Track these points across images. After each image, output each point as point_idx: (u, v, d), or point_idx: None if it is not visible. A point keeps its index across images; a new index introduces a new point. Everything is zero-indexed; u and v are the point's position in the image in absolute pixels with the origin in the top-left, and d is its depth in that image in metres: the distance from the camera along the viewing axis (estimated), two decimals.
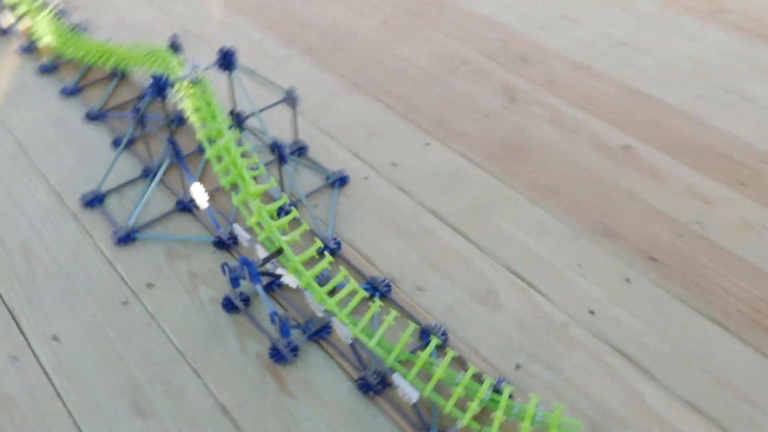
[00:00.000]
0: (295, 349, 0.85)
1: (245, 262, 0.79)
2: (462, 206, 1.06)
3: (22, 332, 0.87)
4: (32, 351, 0.85)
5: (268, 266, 0.87)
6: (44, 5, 1.36)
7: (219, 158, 0.88)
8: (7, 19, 1.40)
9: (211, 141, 0.89)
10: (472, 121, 1.22)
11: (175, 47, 1.10)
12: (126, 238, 0.98)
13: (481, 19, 1.51)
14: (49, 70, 1.32)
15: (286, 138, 1.15)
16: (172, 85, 0.93)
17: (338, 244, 0.98)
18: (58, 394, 0.80)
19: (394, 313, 0.79)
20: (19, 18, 1.38)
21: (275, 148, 0.95)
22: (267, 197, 1.04)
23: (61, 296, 0.91)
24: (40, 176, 1.09)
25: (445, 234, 1.01)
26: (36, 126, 1.19)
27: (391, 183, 1.09)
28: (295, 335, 0.86)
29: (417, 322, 0.88)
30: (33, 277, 0.94)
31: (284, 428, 0.77)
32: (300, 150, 1.14)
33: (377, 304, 0.79)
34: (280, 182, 1.01)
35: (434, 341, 0.78)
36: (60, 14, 1.37)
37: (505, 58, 1.39)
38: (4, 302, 0.90)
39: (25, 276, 0.94)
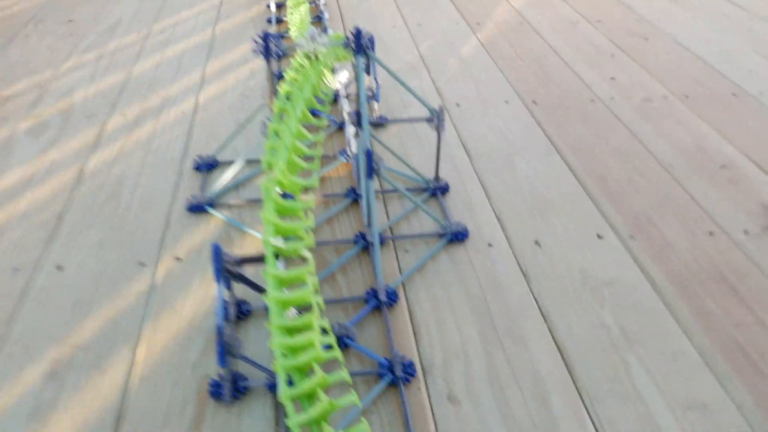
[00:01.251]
0: (239, 392, 0.63)
1: (215, 249, 0.61)
2: (594, 327, 0.71)
3: (47, 251, 0.81)
4: (35, 273, 0.78)
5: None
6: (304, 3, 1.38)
7: (276, 134, 0.72)
8: (272, 10, 1.48)
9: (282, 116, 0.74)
10: (691, 236, 0.84)
11: (356, 43, 0.96)
12: (195, 207, 0.88)
13: None
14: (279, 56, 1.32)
15: (428, 171, 0.94)
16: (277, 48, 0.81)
17: (392, 298, 0.73)
18: (16, 318, 0.72)
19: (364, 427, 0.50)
20: (283, 12, 1.44)
21: (366, 155, 0.75)
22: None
23: (106, 232, 0.84)
24: (192, 131, 1.06)
25: (542, 353, 0.68)
26: (230, 92, 1.18)
27: (518, 263, 0.79)
28: (252, 376, 0.64)
29: None
30: (99, 208, 0.89)
31: None
32: (436, 189, 0.91)
33: (352, 398, 0.51)
34: (367, 200, 0.80)
35: None
36: (315, 18, 1.38)
37: None
38: (54, 217, 0.87)
39: (95, 204, 0.89)
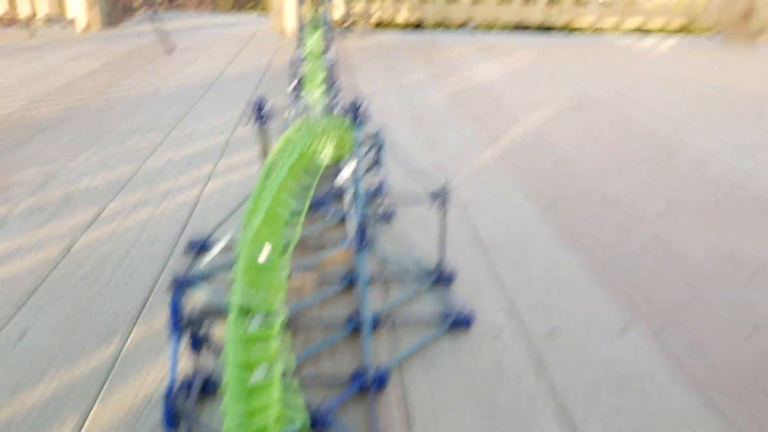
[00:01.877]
0: None
1: (173, 299, 0.54)
2: (624, 428, 0.60)
3: (13, 319, 0.75)
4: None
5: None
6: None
7: (259, 195, 0.66)
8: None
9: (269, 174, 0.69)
10: (728, 335, 0.75)
11: (353, 114, 0.90)
12: (178, 285, 0.81)
13: None
14: None
15: (431, 255, 0.87)
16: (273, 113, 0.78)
17: (381, 381, 0.63)
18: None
19: None
20: None
21: (359, 225, 0.69)
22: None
23: (79, 304, 0.77)
24: (191, 218, 1.02)
25: None
26: (235, 185, 1.15)
27: (531, 353, 0.70)
28: None
29: None
30: (78, 281, 0.83)
31: None
32: (441, 276, 0.84)
33: None
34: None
35: None
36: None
37: None
38: (30, 287, 0.81)
39: (75, 277, 0.83)
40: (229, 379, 0.46)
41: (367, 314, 0.69)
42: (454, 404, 0.62)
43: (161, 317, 0.75)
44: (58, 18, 3.30)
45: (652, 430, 0.59)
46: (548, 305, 0.80)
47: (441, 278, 0.84)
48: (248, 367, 0.49)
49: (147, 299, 0.79)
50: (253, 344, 0.50)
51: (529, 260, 0.91)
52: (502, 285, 0.84)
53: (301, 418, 0.44)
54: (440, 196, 0.81)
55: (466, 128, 1.58)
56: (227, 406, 0.45)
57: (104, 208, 1.05)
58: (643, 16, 3.33)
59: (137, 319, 0.75)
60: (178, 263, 0.88)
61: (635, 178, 1.24)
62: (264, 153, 0.90)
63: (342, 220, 1.01)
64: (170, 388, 0.51)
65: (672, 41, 3.22)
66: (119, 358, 0.68)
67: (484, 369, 0.67)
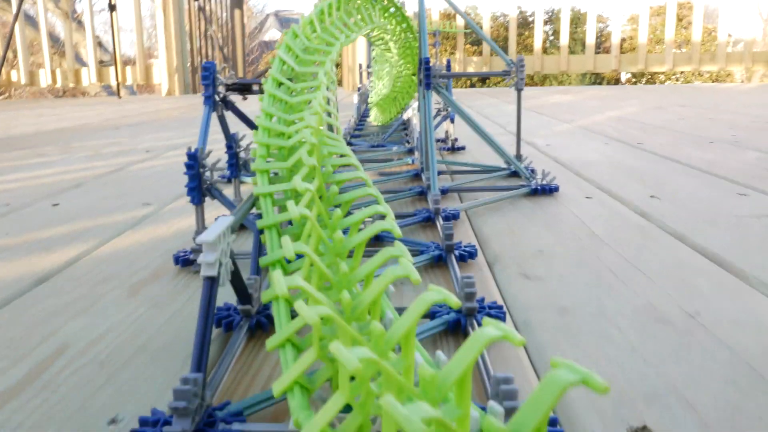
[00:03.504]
0: None
1: (209, 65, 0.47)
2: (758, 237, 0.47)
3: (45, 197, 0.69)
4: (27, 208, 0.65)
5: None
6: None
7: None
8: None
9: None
10: None
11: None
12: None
13: None
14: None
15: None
16: None
17: (451, 213, 0.53)
18: None
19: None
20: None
21: (424, 63, 0.61)
22: None
23: (120, 191, 0.71)
24: None
25: (676, 251, 0.45)
26: None
27: (631, 209, 0.58)
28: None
29: None
30: (122, 180, 0.77)
31: None
32: (517, 171, 0.73)
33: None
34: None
35: None
36: None
37: None
38: (73, 184, 0.75)
39: (120, 180, 0.78)
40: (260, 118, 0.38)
41: (433, 150, 0.59)
42: (535, 227, 0.51)
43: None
44: (143, 87, 3.50)
45: None
46: (647, 186, 0.68)
47: (518, 171, 0.73)
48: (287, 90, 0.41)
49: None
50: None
51: (618, 167, 0.80)
52: (590, 178, 0.73)
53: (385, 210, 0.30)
54: (515, 69, 0.72)
55: (541, 116, 1.50)
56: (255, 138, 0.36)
57: (159, 155, 1.01)
58: (721, 62, 3.21)
59: (177, 195, 0.68)
60: None
61: (732, 132, 1.11)
62: None
63: (410, 151, 0.94)
64: (194, 155, 0.43)
65: (758, 82, 3.08)
66: (153, 214, 0.61)
67: (574, 216, 0.56)
